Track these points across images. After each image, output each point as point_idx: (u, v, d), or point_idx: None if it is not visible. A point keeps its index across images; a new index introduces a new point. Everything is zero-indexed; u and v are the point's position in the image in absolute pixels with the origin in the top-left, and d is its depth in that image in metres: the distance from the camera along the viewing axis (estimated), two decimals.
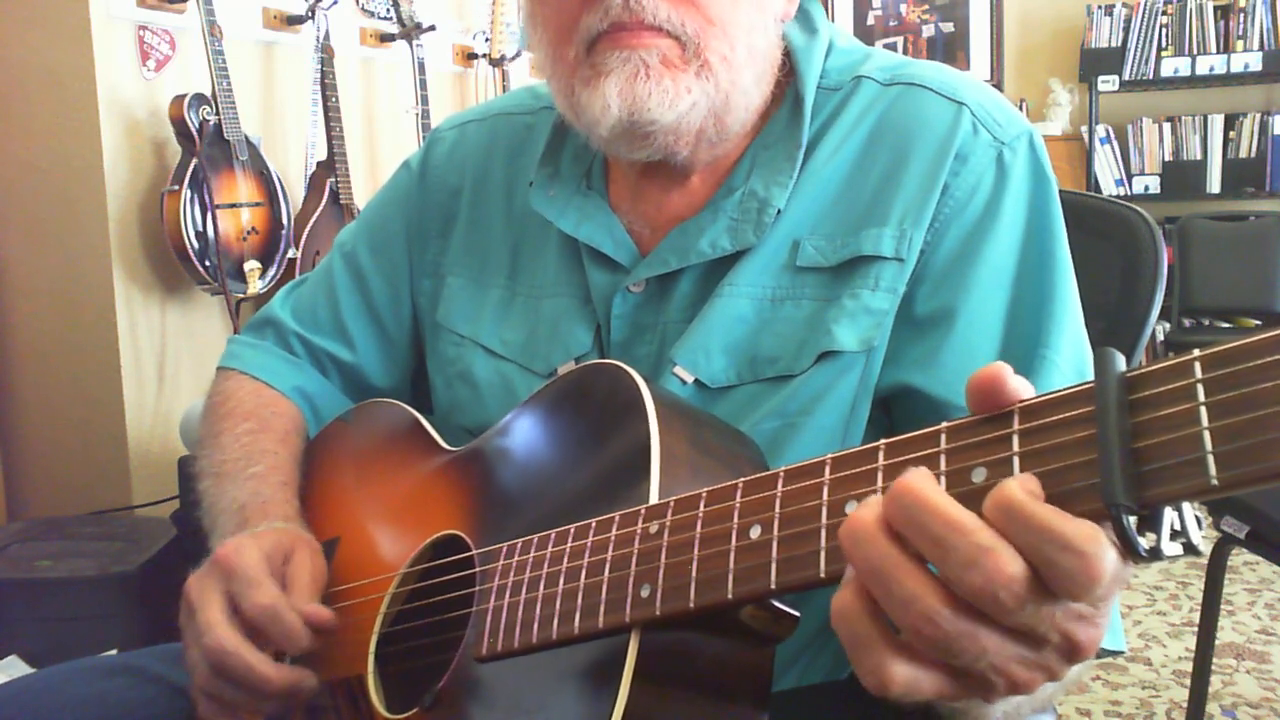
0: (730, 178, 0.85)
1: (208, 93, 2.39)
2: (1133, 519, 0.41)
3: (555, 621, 0.61)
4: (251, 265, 2.49)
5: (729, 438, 0.70)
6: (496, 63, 3.54)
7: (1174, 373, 0.40)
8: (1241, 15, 4.64)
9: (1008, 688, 0.46)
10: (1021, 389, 0.46)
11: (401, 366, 1.04)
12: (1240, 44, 4.65)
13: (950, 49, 5.32)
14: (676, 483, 0.61)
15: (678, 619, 0.55)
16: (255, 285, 2.50)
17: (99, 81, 2.30)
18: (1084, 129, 4.93)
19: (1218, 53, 4.68)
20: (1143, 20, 4.76)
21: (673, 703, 0.58)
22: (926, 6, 5.37)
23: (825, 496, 0.50)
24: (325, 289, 1.04)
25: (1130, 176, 4.88)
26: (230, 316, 2.51)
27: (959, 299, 0.78)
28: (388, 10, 3.16)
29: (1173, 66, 4.73)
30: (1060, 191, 0.83)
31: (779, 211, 0.81)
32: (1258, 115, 4.70)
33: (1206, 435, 0.39)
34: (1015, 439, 0.44)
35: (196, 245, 2.35)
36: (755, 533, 0.53)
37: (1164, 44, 4.75)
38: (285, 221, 2.58)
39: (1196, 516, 0.42)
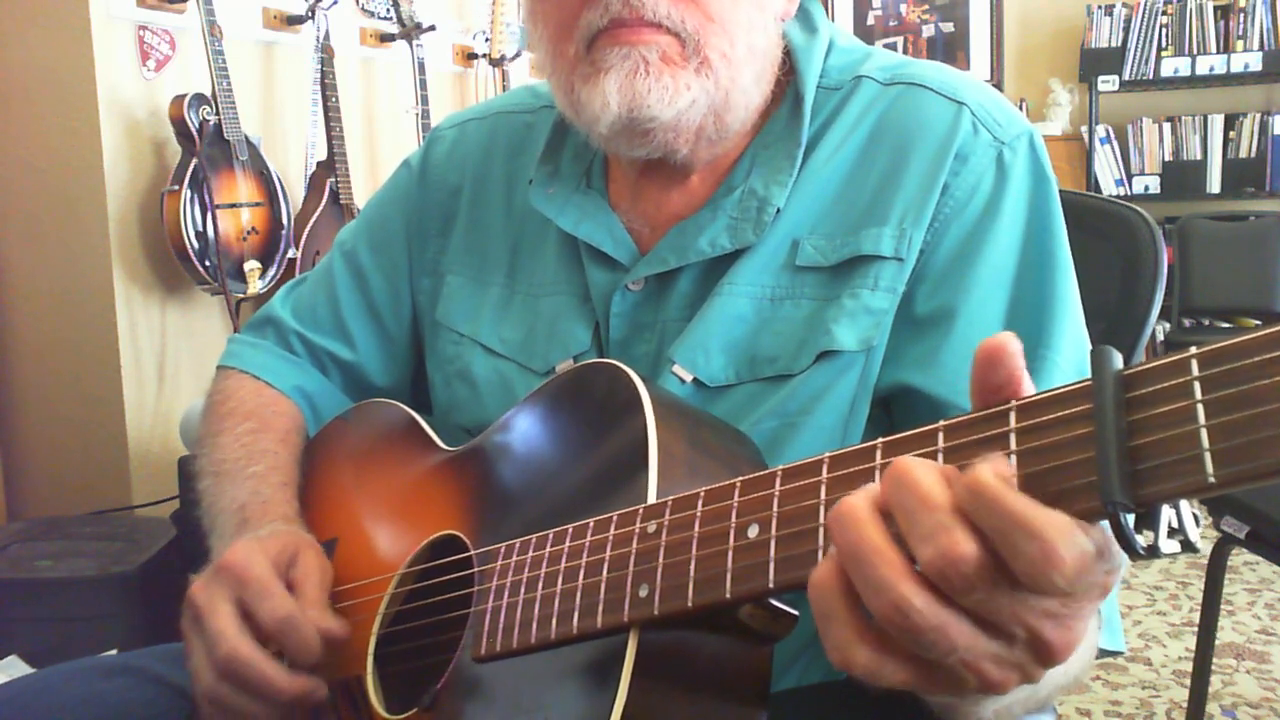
0: (730, 176, 0.85)
1: (208, 93, 2.39)
2: (1130, 517, 0.41)
3: (553, 621, 0.61)
4: (251, 265, 2.49)
5: (727, 437, 0.70)
6: (496, 63, 3.54)
7: (1171, 370, 0.40)
8: (1241, 15, 4.64)
9: (979, 685, 0.46)
10: (1023, 369, 0.46)
11: (401, 365, 1.04)
12: (1240, 44, 4.65)
13: (950, 49, 5.32)
14: (674, 482, 0.61)
15: (676, 618, 0.55)
16: (255, 285, 2.50)
17: (99, 81, 2.30)
18: (1084, 129, 4.93)
19: (1218, 53, 4.68)
20: (1143, 20, 4.76)
21: (672, 702, 0.58)
22: (926, 6, 5.37)
23: (823, 495, 0.50)
24: (325, 288, 1.04)
25: (1130, 176, 4.88)
26: (230, 316, 2.51)
27: (959, 299, 0.78)
28: (388, 10, 3.16)
29: (1173, 66, 4.73)
30: (1060, 191, 0.83)
31: (778, 211, 0.81)
32: (1258, 115, 4.70)
33: (1203, 433, 0.39)
34: (1012, 437, 0.44)
35: (196, 245, 2.35)
36: (753, 532, 0.53)
37: (1164, 44, 4.75)
38: (285, 221, 2.58)
39: (1194, 514, 0.42)
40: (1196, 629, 1.97)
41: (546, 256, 0.91)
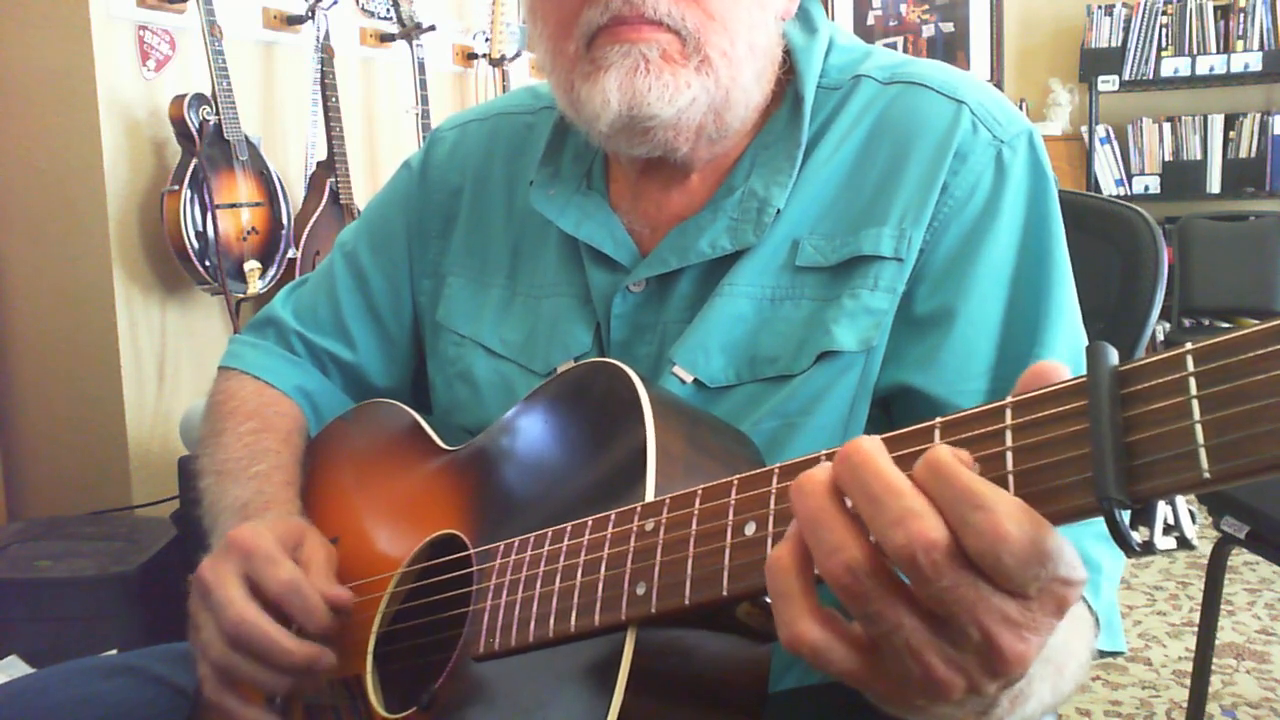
0: (730, 177, 0.85)
1: (208, 93, 2.39)
2: (1126, 513, 0.41)
3: (552, 620, 0.61)
4: (251, 265, 2.49)
5: (726, 437, 0.70)
6: (496, 63, 3.54)
7: (1166, 366, 0.41)
8: (1241, 15, 4.64)
9: (923, 682, 0.46)
10: None
11: (402, 366, 1.04)
12: (1240, 44, 4.65)
13: (950, 49, 5.32)
14: (672, 481, 0.61)
15: (673, 616, 0.55)
16: (255, 285, 2.50)
17: (99, 81, 2.30)
18: (1084, 129, 4.93)
19: (1218, 53, 4.68)
20: (1143, 20, 4.76)
21: (669, 700, 0.58)
22: (926, 6, 5.37)
23: None
24: (326, 289, 1.04)
25: (1130, 176, 4.88)
26: (230, 316, 2.51)
27: (958, 298, 0.78)
28: (388, 10, 3.16)
29: (1173, 66, 4.73)
30: (1060, 191, 0.83)
31: (779, 211, 0.81)
32: (1258, 115, 4.70)
33: (1198, 428, 0.39)
34: (1008, 434, 0.45)
35: (196, 245, 2.35)
36: (750, 529, 0.53)
37: (1164, 44, 4.75)
38: (285, 221, 2.58)
39: (1190, 511, 0.42)
40: (1196, 629, 1.97)
41: (547, 258, 0.91)
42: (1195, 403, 0.39)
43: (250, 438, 0.94)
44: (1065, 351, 0.77)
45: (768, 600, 0.55)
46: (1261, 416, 0.37)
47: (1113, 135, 4.88)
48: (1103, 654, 0.74)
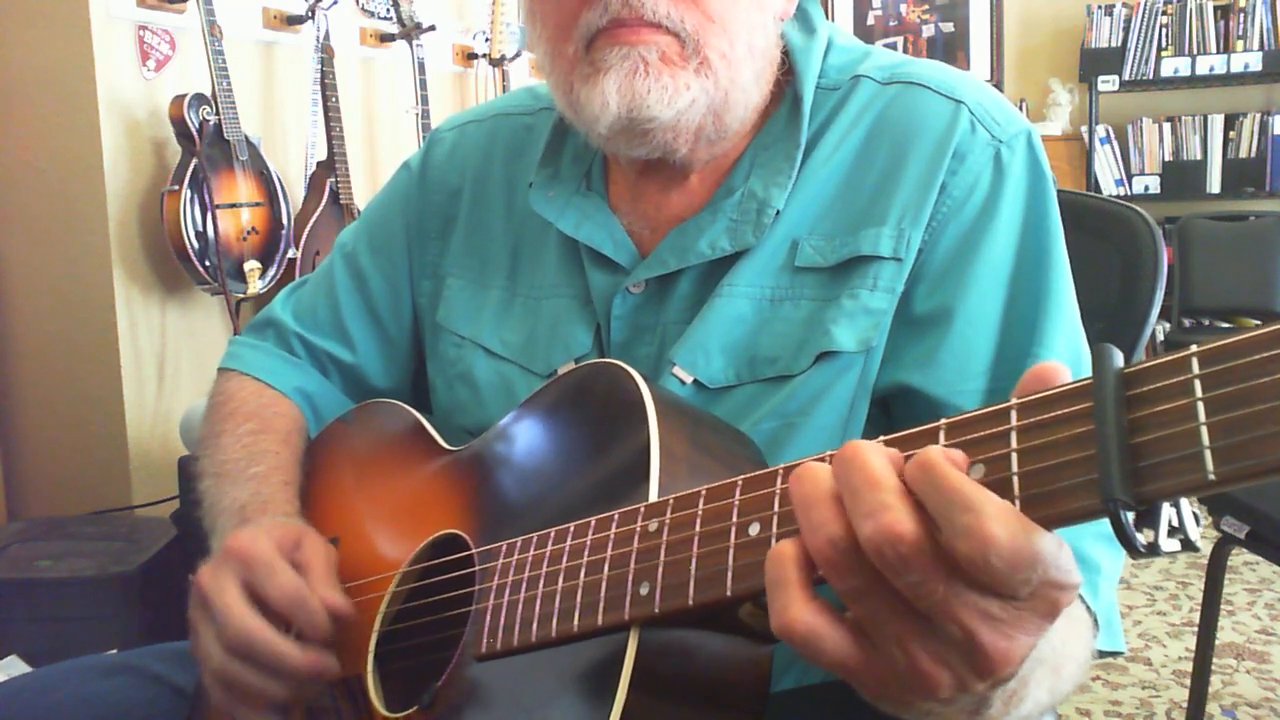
0: (730, 178, 0.85)
1: (208, 93, 2.39)
2: (1130, 515, 0.41)
3: (554, 620, 0.61)
4: (251, 265, 2.49)
5: (728, 437, 0.70)
6: (496, 63, 3.54)
7: (1171, 368, 0.41)
8: (1241, 15, 4.64)
9: (909, 674, 0.46)
10: None
11: (402, 367, 1.04)
12: (1240, 44, 4.65)
13: (950, 49, 5.32)
14: (676, 481, 0.61)
15: (677, 617, 0.55)
16: (255, 285, 2.50)
17: (99, 81, 2.30)
18: (1084, 129, 4.93)
19: (1218, 53, 4.68)
20: (1143, 20, 4.76)
21: (672, 701, 0.58)
22: (926, 6, 5.38)
23: None
24: (326, 290, 1.04)
25: (1130, 176, 4.88)
26: (230, 316, 2.51)
27: (957, 298, 0.78)
28: (388, 10, 3.16)
29: (1173, 66, 4.73)
30: (1060, 191, 0.83)
31: (778, 212, 0.81)
32: (1258, 115, 4.70)
33: (1204, 430, 0.39)
34: (1013, 435, 0.45)
35: (196, 245, 2.35)
36: (754, 530, 0.53)
37: (1164, 44, 4.75)
38: (285, 221, 2.58)
39: (1194, 513, 0.42)
40: (1196, 629, 1.97)
41: (547, 259, 0.91)
42: (1201, 405, 0.39)
43: (249, 439, 0.94)
44: (1064, 351, 0.77)
45: None
46: (1267, 419, 0.37)
47: (1113, 135, 4.88)
48: (1102, 654, 0.74)
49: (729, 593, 0.53)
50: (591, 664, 0.59)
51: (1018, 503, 0.43)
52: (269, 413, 0.98)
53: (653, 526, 0.58)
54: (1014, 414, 0.45)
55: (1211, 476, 0.38)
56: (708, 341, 0.81)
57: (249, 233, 2.48)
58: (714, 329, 0.81)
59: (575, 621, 0.59)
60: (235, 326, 2.52)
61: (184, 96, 2.36)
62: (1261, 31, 4.62)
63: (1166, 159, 4.84)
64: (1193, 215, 4.47)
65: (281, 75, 2.84)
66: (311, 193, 2.77)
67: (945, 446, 0.47)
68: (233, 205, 2.44)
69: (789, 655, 0.80)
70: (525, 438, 0.76)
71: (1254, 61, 4.62)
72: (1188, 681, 2.09)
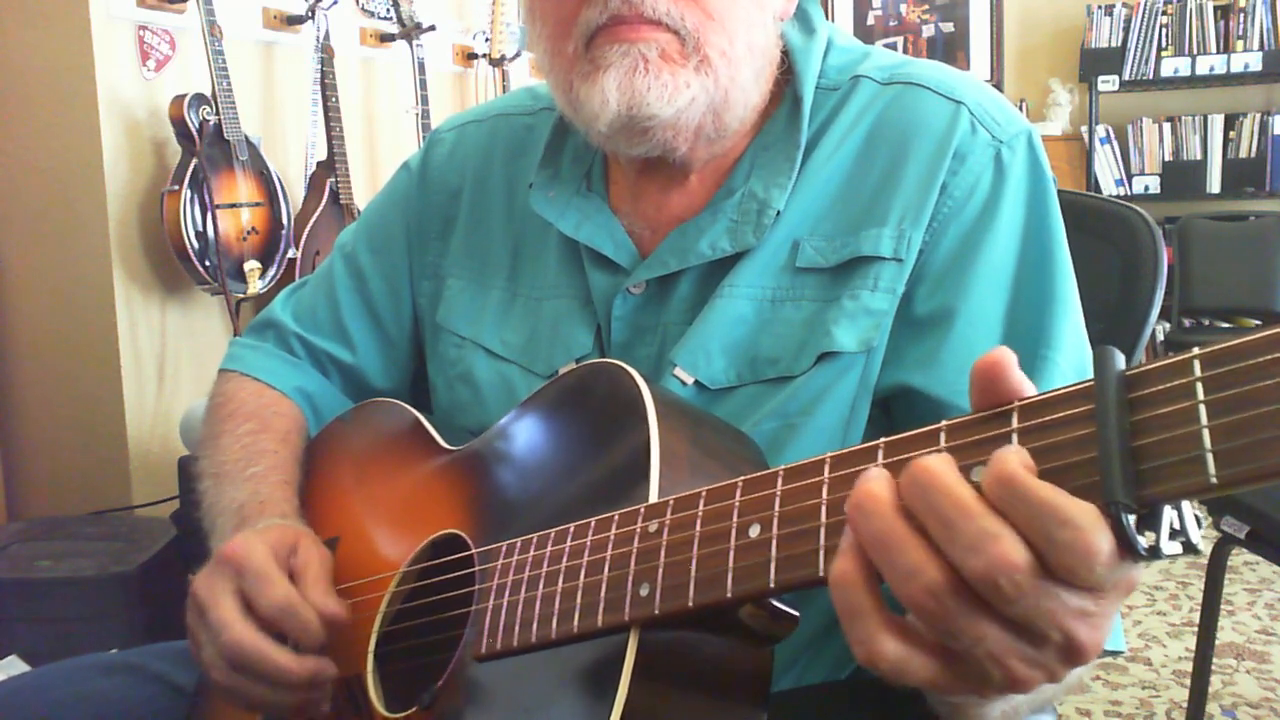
0: (730, 178, 0.85)
1: (208, 93, 2.39)
2: (1132, 518, 0.41)
3: (554, 620, 0.61)
4: (251, 265, 2.49)
5: (729, 437, 0.70)
6: (496, 63, 3.54)
7: (1173, 371, 0.40)
8: (1241, 15, 4.64)
9: (1003, 682, 0.45)
10: (1023, 383, 0.46)
11: (402, 368, 1.04)
12: (1240, 44, 4.65)
13: (950, 49, 5.32)
14: (676, 482, 0.61)
15: (677, 618, 0.55)
16: (255, 285, 2.50)
17: (99, 81, 2.30)
18: (1084, 129, 4.93)
19: (1218, 53, 4.68)
20: (1143, 20, 4.76)
21: (672, 702, 0.58)
22: (926, 6, 5.37)
23: (825, 495, 0.50)
24: (326, 290, 1.04)
25: (1130, 176, 4.88)
26: (230, 316, 2.51)
27: (958, 299, 0.78)
28: (388, 10, 3.16)
29: (1173, 66, 4.73)
30: (1060, 191, 0.83)
31: (778, 213, 0.81)
32: (1258, 115, 4.70)
33: (1205, 433, 0.39)
34: (1015, 437, 0.44)
35: (196, 245, 2.35)
36: (754, 531, 0.53)
37: (1164, 44, 4.75)
38: (285, 221, 2.58)
39: (1196, 515, 0.42)
40: (1196, 629, 1.97)
41: (548, 260, 0.91)
42: (1203, 408, 0.39)
43: (248, 439, 0.94)
44: (1069, 352, 0.77)
45: (771, 602, 0.55)
46: (1269, 422, 0.37)
47: (1113, 135, 4.88)
48: (1103, 653, 0.74)
49: (729, 594, 0.52)
50: (592, 665, 0.59)
51: None
52: (268, 413, 0.97)
53: (653, 527, 0.58)
54: (1015, 416, 0.45)
55: (1213, 480, 0.38)
56: (709, 342, 0.81)
57: (249, 233, 2.48)
58: (715, 330, 0.81)
59: (575, 622, 0.59)
60: (235, 326, 2.52)
61: (184, 96, 2.36)
62: (1261, 31, 4.62)
63: (1166, 159, 4.84)
64: (1193, 215, 4.47)
65: (281, 75, 2.84)
66: (311, 193, 2.77)
67: (948, 448, 0.46)
68: (233, 205, 2.44)
69: (789, 655, 0.81)
70: (525, 438, 0.76)
71: (1254, 61, 4.62)
72: (1188, 681, 2.09)
